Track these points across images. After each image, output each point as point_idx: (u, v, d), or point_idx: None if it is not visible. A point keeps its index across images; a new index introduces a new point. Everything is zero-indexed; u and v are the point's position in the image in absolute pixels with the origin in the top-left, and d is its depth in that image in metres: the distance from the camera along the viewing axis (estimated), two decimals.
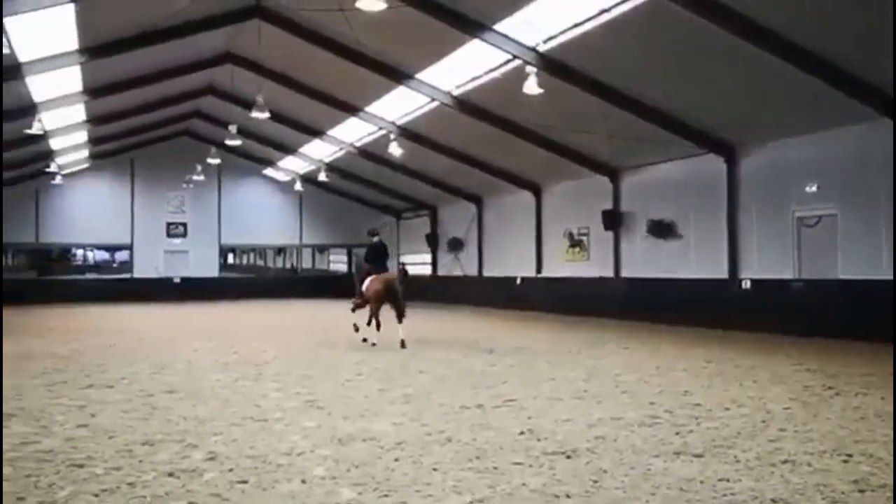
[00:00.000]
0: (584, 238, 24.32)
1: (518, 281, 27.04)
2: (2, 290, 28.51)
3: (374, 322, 14.43)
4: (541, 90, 15.93)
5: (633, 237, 22.11)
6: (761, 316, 16.99)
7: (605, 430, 6.78)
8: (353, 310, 15.30)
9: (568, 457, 5.83)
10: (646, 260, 21.61)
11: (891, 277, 14.43)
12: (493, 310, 26.62)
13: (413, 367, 11.33)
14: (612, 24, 14.31)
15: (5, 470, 5.50)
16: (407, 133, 24.14)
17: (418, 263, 35.26)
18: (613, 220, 22.55)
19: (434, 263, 33.96)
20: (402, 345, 13.78)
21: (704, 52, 14.40)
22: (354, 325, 15.29)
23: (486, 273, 29.89)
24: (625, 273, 22.46)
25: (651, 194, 21.37)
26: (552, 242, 25.77)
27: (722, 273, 18.69)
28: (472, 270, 30.70)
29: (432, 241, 33.68)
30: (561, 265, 25.23)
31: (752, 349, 13.50)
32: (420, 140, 24.40)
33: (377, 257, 15.17)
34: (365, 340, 14.63)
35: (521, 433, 6.66)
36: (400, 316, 14.12)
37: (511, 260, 27.85)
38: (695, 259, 19.95)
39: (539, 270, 26.31)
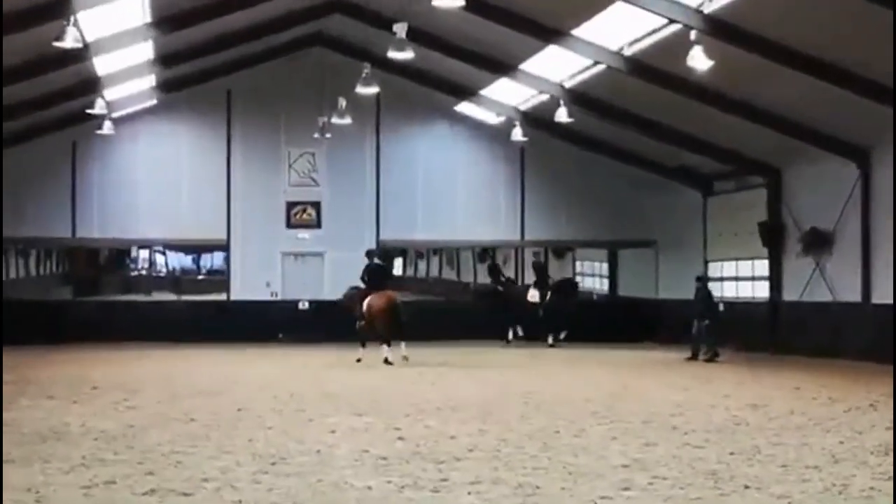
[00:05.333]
0: None
1: None
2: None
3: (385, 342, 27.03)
4: None
5: None
6: None
7: None
8: (359, 332, 27.87)
9: None
10: None
11: None
12: None
13: (731, 476, 10.85)
14: None
15: None
16: (724, 29, 23.57)
17: (742, 278, 34.46)
18: None
19: (775, 278, 33.21)
20: (386, 361, 26.37)
21: None
22: (385, 359, 26.62)
23: (878, 298, 28.90)
24: None
25: None
26: None
27: None
28: (851, 292, 29.82)
29: (771, 236, 32.84)
30: None
31: None
32: (750, 42, 23.87)
33: (376, 280, 27.56)
34: (387, 361, 26.46)
35: None
36: (399, 335, 27.13)
37: None
38: None
39: None
